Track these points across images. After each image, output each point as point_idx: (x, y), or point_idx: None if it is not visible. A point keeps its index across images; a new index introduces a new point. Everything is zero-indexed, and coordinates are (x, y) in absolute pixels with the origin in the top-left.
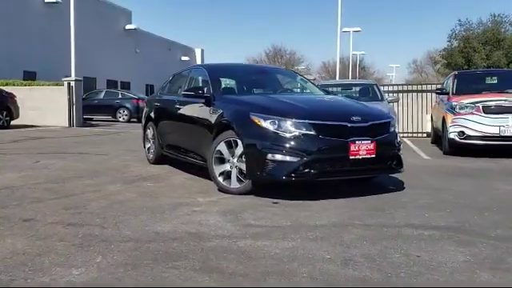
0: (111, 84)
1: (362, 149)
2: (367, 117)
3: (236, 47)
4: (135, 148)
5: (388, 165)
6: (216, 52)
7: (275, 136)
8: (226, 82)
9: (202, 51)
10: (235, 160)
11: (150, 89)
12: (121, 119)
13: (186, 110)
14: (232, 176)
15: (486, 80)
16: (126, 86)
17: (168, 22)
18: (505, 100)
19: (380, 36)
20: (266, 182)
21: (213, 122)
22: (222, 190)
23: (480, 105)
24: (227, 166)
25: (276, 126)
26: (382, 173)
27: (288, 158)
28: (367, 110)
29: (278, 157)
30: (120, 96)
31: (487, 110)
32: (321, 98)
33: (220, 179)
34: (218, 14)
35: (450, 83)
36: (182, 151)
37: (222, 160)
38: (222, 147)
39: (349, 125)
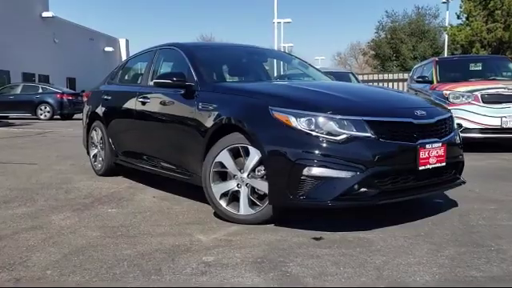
0: (27, 77)
1: (432, 155)
2: (431, 110)
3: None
4: (70, 153)
5: (453, 175)
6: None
7: (314, 141)
8: (213, 67)
9: (127, 41)
10: (245, 175)
11: (71, 82)
12: (42, 116)
13: (156, 105)
14: (241, 198)
15: (469, 66)
16: (44, 79)
17: (89, 10)
18: (504, 88)
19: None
20: (297, 208)
21: (205, 120)
22: (224, 217)
23: (478, 93)
24: (232, 185)
25: (314, 126)
26: (448, 187)
27: (337, 174)
28: (423, 101)
29: (322, 171)
30: (40, 90)
31: (486, 100)
32: (355, 86)
33: (222, 203)
34: (142, 1)
35: (429, 71)
36: (150, 160)
37: (223, 175)
38: (225, 157)
39: (414, 121)
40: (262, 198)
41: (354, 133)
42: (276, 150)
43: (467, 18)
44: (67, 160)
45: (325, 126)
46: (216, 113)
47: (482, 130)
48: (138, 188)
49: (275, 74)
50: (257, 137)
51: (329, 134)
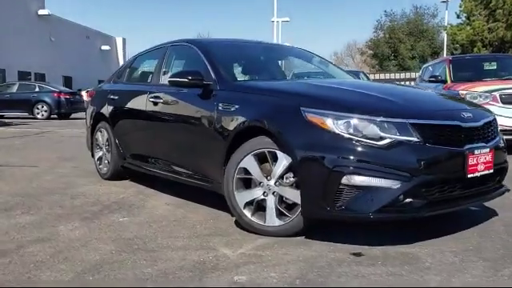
0: (23, 76)
1: (481, 162)
2: (475, 112)
3: (159, 36)
4: (71, 154)
5: (497, 182)
6: (138, 41)
7: (354, 146)
8: (232, 65)
9: (124, 40)
10: (272, 183)
11: (67, 81)
12: (39, 116)
13: (170, 105)
14: (268, 208)
15: (483, 66)
16: (40, 77)
17: (86, 7)
18: None
19: (305, 27)
20: (335, 220)
21: (226, 122)
22: (248, 228)
23: (496, 94)
24: (258, 193)
25: (353, 130)
26: (494, 196)
27: (380, 182)
28: (464, 102)
29: (363, 180)
30: (37, 89)
31: (505, 100)
32: (390, 86)
33: (247, 213)
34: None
35: (442, 70)
36: (162, 165)
37: (247, 183)
38: (250, 163)
39: (462, 125)
40: (291, 207)
41: (398, 137)
42: (310, 155)
43: (468, 18)
44: (69, 162)
45: (365, 129)
46: (239, 114)
47: (502, 132)
48: (148, 194)
49: (295, 72)
50: (287, 141)
51: (370, 138)
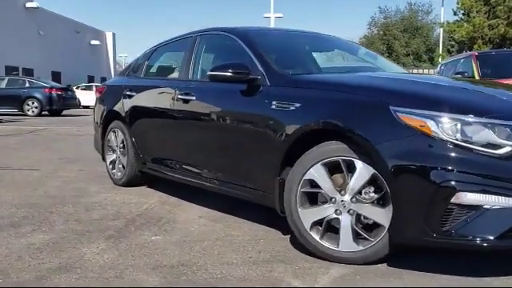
0: (11, 71)
1: None
2: None
3: (150, 32)
4: (73, 155)
5: None
6: (128, 37)
7: (466, 155)
8: (282, 56)
9: (114, 35)
10: (348, 198)
11: (55, 76)
12: (30, 112)
13: (206, 104)
14: (342, 230)
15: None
16: (28, 73)
17: (75, 1)
18: None
19: (298, 23)
20: (438, 248)
21: (282, 124)
22: (316, 253)
23: None
24: (329, 211)
25: (462, 135)
26: None
27: (503, 201)
28: None
29: (480, 198)
30: (27, 85)
31: None
32: (463, 82)
33: (314, 235)
34: None
35: (467, 66)
36: (194, 172)
37: (313, 198)
38: (319, 174)
39: None
40: (370, 228)
41: None
42: (406, 166)
43: (468, 14)
44: (73, 164)
45: (479, 134)
46: (301, 114)
47: None
48: (174, 204)
49: (346, 65)
50: (373, 147)
51: (486, 145)
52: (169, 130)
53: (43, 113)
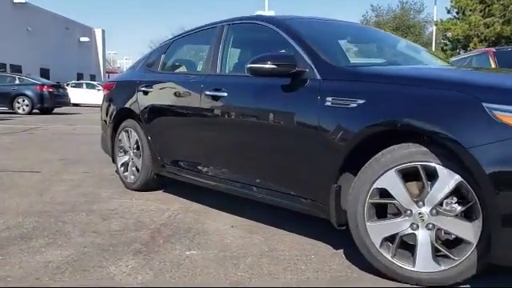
0: None
1: None
2: None
3: (140, 28)
4: (74, 156)
5: None
6: (117, 33)
7: None
8: (329, 47)
9: (103, 32)
10: (427, 210)
11: (44, 73)
12: (20, 110)
13: (241, 100)
14: (420, 247)
15: None
16: (16, 69)
17: None
18: None
19: None
20: None
21: (340, 123)
22: (387, 273)
23: None
24: (403, 225)
25: None
26: None
27: None
28: None
29: None
30: (17, 82)
31: None
32: None
33: (385, 253)
34: None
35: (483, 64)
36: (225, 177)
37: (382, 209)
38: (392, 183)
39: None
40: (452, 245)
41: None
42: (509, 174)
43: (463, 13)
44: (76, 166)
45: None
46: (367, 112)
47: None
48: (199, 211)
49: (400, 57)
50: (465, 151)
51: None
52: (194, 129)
53: (34, 111)
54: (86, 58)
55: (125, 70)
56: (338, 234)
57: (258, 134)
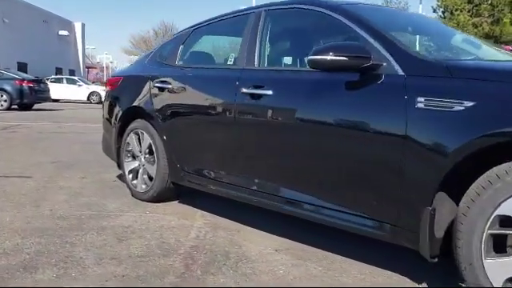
0: None
1: None
2: None
3: (119, 24)
4: (66, 158)
5: None
6: (96, 28)
7: None
8: (402, 38)
9: (83, 25)
10: None
11: (21, 67)
12: None
13: (292, 101)
14: None
15: None
16: None
17: None
18: None
19: None
20: None
21: (440, 133)
22: None
23: None
24: None
25: None
26: None
27: None
28: None
29: None
30: None
31: None
32: None
33: None
34: None
35: None
36: (267, 190)
37: (498, 242)
38: None
39: None
40: None
41: None
42: None
43: (451, 12)
44: (70, 170)
45: None
46: (480, 117)
47: None
48: (229, 228)
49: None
50: None
51: None
52: (226, 133)
53: (13, 107)
54: (65, 52)
55: (105, 65)
56: (413, 261)
57: (317, 142)
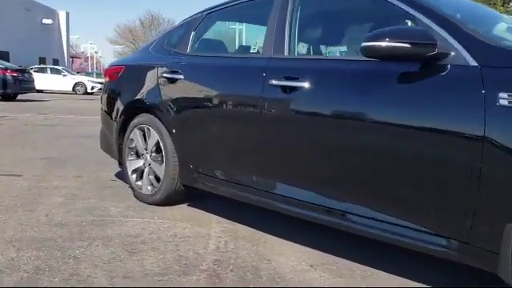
0: None
1: None
2: None
3: (105, 12)
4: (57, 152)
5: None
6: (82, 16)
7: None
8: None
9: (67, 14)
10: None
11: (3, 57)
12: None
13: (334, 94)
14: None
15: None
16: None
17: None
18: None
19: None
20: None
21: None
22: None
23: None
24: None
25: None
26: None
27: None
28: None
29: None
30: None
31: None
32: None
33: None
34: None
35: None
36: (303, 198)
37: None
38: None
39: None
40: None
41: None
42: None
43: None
44: (63, 167)
45: None
46: None
47: None
48: (251, 237)
49: None
50: None
51: None
52: (250, 130)
53: None
54: (48, 41)
55: (89, 55)
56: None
57: (369, 144)
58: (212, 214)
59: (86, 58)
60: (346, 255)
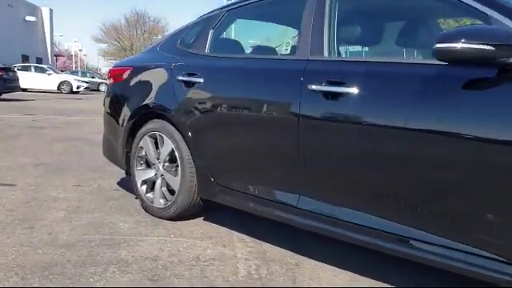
0: None
1: None
2: None
3: (90, 10)
4: (50, 158)
5: None
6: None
7: None
8: None
9: (51, 11)
10: None
11: None
12: None
13: (391, 102)
14: None
15: None
16: None
17: None
18: None
19: None
20: None
21: None
22: None
23: None
24: None
25: None
26: None
27: None
28: None
29: None
30: None
31: None
32: None
33: None
34: None
35: None
36: (348, 219)
37: None
38: None
39: None
40: None
41: None
42: None
43: None
44: (59, 175)
45: None
46: None
47: None
48: (283, 259)
49: None
50: None
51: None
52: (288, 142)
53: None
54: (32, 38)
55: (73, 53)
56: None
57: (436, 160)
58: (231, 230)
59: (70, 56)
60: (388, 278)
